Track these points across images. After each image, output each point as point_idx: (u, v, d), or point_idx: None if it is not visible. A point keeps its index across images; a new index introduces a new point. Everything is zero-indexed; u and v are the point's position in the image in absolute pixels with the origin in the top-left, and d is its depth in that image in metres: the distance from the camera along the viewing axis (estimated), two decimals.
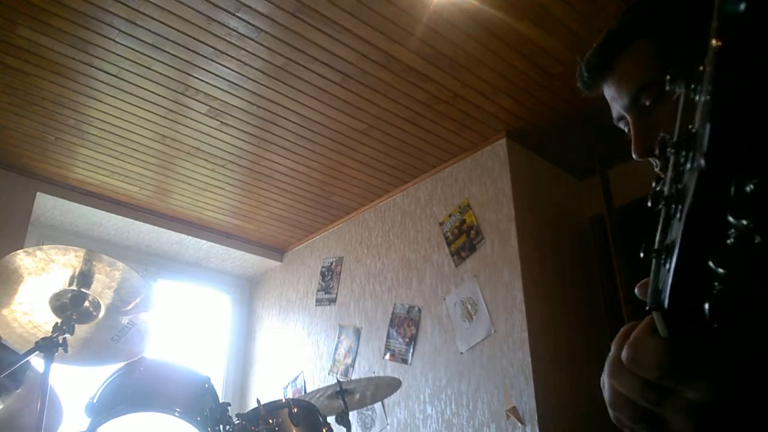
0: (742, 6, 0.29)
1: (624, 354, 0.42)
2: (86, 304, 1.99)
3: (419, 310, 3.54)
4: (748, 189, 0.32)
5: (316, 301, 4.29)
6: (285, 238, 4.59)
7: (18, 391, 1.94)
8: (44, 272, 1.94)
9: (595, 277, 3.40)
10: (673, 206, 0.37)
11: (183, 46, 2.79)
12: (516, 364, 2.94)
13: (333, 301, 4.17)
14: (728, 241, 0.33)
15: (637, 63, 0.80)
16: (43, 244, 3.30)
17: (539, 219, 3.35)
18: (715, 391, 0.39)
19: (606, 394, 0.46)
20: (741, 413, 0.39)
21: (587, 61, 0.86)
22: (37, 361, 1.87)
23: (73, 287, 1.97)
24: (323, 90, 3.08)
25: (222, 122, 3.31)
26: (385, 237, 3.93)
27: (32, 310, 1.98)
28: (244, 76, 2.98)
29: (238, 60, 2.88)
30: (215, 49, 2.81)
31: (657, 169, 0.75)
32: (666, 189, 0.38)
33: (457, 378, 3.19)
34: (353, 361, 3.84)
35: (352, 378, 3.70)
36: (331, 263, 4.29)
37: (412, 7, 2.60)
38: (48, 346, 1.79)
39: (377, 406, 3.53)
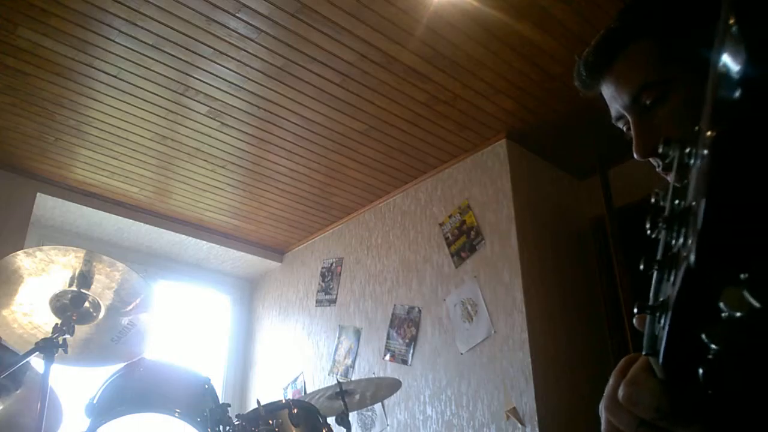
0: (738, 93, 0.28)
1: (621, 392, 0.43)
2: (86, 304, 2.00)
3: (419, 310, 3.54)
4: (741, 277, 0.31)
5: (316, 301, 4.29)
6: (285, 238, 4.59)
7: (18, 391, 1.94)
8: (44, 273, 1.94)
9: (595, 277, 3.39)
10: (666, 270, 0.37)
11: (183, 47, 2.79)
12: (516, 365, 2.94)
13: (333, 301, 4.17)
14: (722, 315, 0.33)
15: (638, 62, 0.78)
16: (43, 245, 3.29)
17: (539, 220, 3.34)
18: None
19: (603, 425, 0.47)
20: None
21: (586, 60, 0.84)
22: (37, 362, 1.87)
23: (73, 288, 1.97)
24: (323, 90, 3.08)
25: (222, 123, 3.31)
26: (385, 238, 3.93)
27: (32, 311, 1.98)
28: (244, 76, 2.98)
29: (238, 61, 2.88)
30: (215, 49, 2.81)
31: (659, 169, 0.74)
32: (659, 254, 0.38)
33: (457, 379, 3.19)
34: (353, 362, 3.84)
35: (352, 379, 3.70)
36: (331, 264, 4.28)
37: (412, 8, 2.60)
38: (48, 347, 1.79)
39: (377, 406, 3.53)
